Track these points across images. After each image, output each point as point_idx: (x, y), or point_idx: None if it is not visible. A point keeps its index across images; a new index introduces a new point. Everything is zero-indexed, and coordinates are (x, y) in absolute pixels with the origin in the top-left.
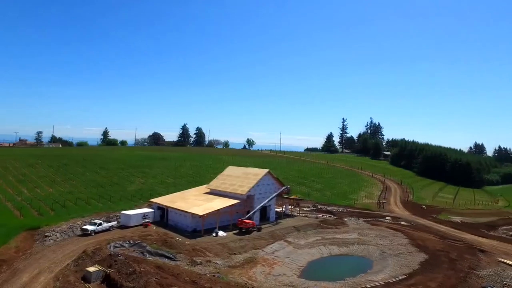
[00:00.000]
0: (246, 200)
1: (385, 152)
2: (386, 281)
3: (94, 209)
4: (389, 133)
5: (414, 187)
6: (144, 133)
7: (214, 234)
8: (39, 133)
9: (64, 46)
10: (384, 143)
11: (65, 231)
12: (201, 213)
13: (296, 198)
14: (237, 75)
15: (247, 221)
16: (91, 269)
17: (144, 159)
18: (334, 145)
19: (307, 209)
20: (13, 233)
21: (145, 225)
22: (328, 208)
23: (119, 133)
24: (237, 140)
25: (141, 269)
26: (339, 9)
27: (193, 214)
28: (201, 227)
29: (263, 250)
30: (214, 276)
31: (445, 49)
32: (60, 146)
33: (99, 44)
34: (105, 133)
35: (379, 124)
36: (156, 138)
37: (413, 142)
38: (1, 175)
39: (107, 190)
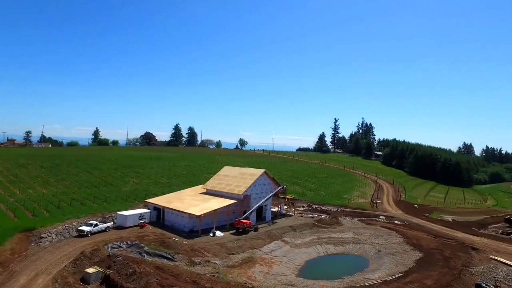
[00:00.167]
0: (243, 200)
1: (376, 152)
2: (383, 279)
3: (89, 209)
4: (380, 133)
5: (406, 186)
6: (136, 133)
7: (211, 234)
8: (28, 132)
9: (53, 45)
10: (375, 143)
11: (60, 232)
12: (198, 213)
13: (291, 198)
14: (230, 75)
15: (244, 221)
16: (90, 270)
17: (137, 159)
18: (327, 145)
19: (302, 208)
20: (7, 234)
21: (141, 226)
22: (323, 208)
23: (110, 133)
24: (229, 140)
25: (141, 269)
26: (331, 9)
27: (190, 214)
28: (198, 227)
29: (260, 250)
30: (213, 276)
31: (434, 50)
32: (50, 146)
33: (90, 44)
34: (96, 133)
35: (370, 124)
36: (148, 138)
37: (404, 142)
38: None
39: (101, 191)
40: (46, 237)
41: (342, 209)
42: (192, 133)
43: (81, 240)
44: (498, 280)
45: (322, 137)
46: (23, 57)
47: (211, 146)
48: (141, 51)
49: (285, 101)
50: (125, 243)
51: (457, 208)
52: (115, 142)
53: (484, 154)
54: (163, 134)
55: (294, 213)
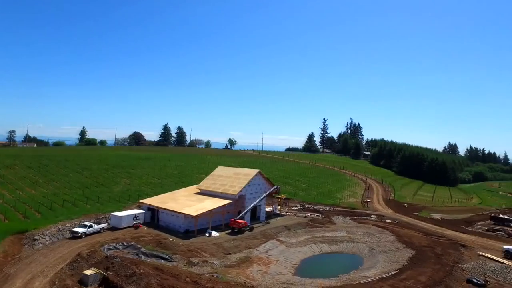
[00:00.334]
0: (238, 200)
1: (365, 152)
2: (379, 276)
3: (82, 211)
4: (368, 133)
5: (395, 186)
6: (124, 133)
7: (207, 235)
8: (11, 132)
9: (39, 44)
10: (364, 143)
11: (54, 234)
12: (194, 214)
13: (284, 197)
14: (218, 75)
15: (239, 221)
16: (88, 272)
17: (127, 159)
18: (315, 145)
19: (295, 208)
20: None
21: (136, 227)
22: (315, 207)
23: (97, 133)
24: (218, 139)
25: (141, 270)
26: (319, 10)
27: (185, 214)
28: (193, 227)
29: (257, 250)
30: (212, 276)
31: (419, 53)
32: (35, 146)
33: (78, 43)
34: (83, 133)
35: (359, 124)
36: (137, 138)
37: (392, 142)
38: None
39: (92, 191)
40: (39, 239)
41: (334, 208)
42: (181, 133)
43: (76, 242)
44: (487, 275)
45: (311, 137)
46: (4, 57)
47: (200, 146)
48: (129, 51)
49: (274, 101)
50: (121, 244)
51: (445, 207)
52: (103, 142)
53: (468, 154)
54: (151, 134)
55: (287, 212)
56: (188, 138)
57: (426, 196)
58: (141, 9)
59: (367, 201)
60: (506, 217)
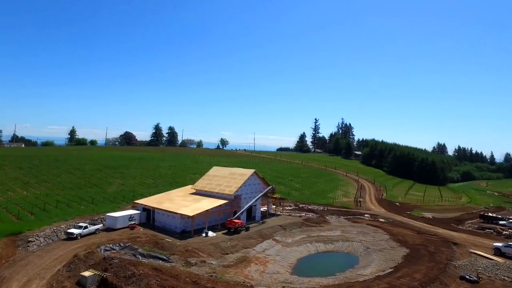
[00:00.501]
0: (234, 200)
1: (356, 152)
2: (376, 274)
3: (76, 211)
4: (359, 134)
5: (386, 185)
6: (115, 133)
7: (204, 235)
8: None
9: (24, 43)
10: (355, 143)
11: (49, 235)
12: (191, 214)
13: (279, 197)
14: (209, 76)
15: (236, 221)
16: (86, 273)
17: (119, 160)
18: (307, 145)
19: (289, 208)
20: None
21: (131, 227)
22: (309, 207)
23: (86, 133)
24: (209, 139)
25: (140, 271)
26: (310, 11)
27: (182, 215)
28: (190, 227)
29: (253, 249)
30: (211, 276)
31: (409, 55)
32: (23, 146)
33: (64, 43)
34: (72, 132)
35: (350, 124)
36: (128, 138)
37: (383, 142)
38: None
39: (86, 192)
40: (33, 241)
41: (328, 208)
42: (172, 133)
43: (71, 243)
44: (479, 272)
45: (302, 137)
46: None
47: (192, 146)
48: (120, 51)
49: (264, 101)
50: (117, 245)
51: (436, 206)
52: (93, 142)
53: (456, 154)
54: (143, 134)
55: (282, 212)
56: (180, 138)
57: (417, 195)
58: (133, 9)
59: (360, 201)
60: (494, 215)
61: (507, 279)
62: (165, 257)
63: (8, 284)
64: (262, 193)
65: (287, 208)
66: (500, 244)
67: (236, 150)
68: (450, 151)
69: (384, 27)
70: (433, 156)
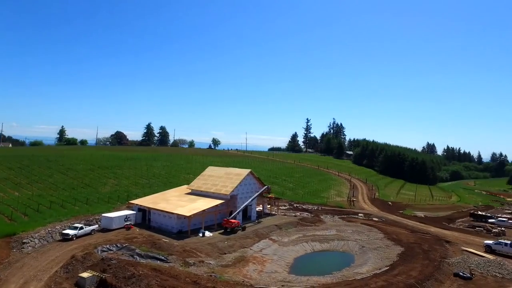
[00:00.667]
0: (230, 200)
1: (347, 152)
2: (373, 272)
3: (71, 212)
4: (350, 133)
5: (378, 185)
6: (106, 132)
7: (200, 235)
8: None
9: (13, 41)
10: (346, 143)
11: (43, 236)
12: (187, 214)
13: (274, 197)
14: (201, 76)
15: (233, 220)
16: (85, 275)
17: (112, 159)
18: (299, 144)
19: (284, 207)
20: None
21: (127, 228)
22: (304, 207)
23: (76, 132)
24: (200, 139)
25: (140, 272)
26: (304, 11)
27: (178, 215)
28: (186, 228)
29: (251, 249)
30: (210, 276)
31: (398, 56)
32: (10, 145)
33: (53, 42)
34: (62, 132)
35: (341, 124)
36: (119, 138)
37: (374, 142)
38: None
39: (79, 192)
40: (28, 242)
41: (322, 207)
42: (164, 133)
43: (67, 244)
44: (472, 269)
45: (294, 137)
46: None
47: (184, 146)
48: (110, 51)
49: (256, 102)
50: (114, 246)
51: (427, 205)
52: (83, 142)
53: (445, 154)
54: (134, 134)
55: (277, 212)
56: (172, 138)
57: (409, 194)
58: (121, 9)
59: (353, 200)
60: (484, 213)
61: (498, 275)
62: (163, 258)
63: (5, 287)
64: (258, 193)
65: (282, 207)
66: (490, 242)
67: (228, 150)
68: (439, 151)
69: (375, 27)
70: (423, 156)
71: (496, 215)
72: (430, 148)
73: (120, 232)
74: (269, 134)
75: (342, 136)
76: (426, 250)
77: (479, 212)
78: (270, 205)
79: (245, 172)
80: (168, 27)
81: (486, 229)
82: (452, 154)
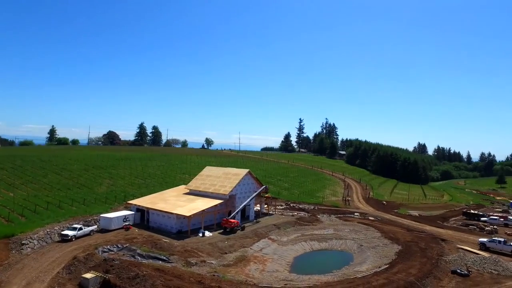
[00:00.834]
0: (228, 200)
1: (340, 152)
2: (373, 270)
3: (68, 213)
4: (343, 133)
5: (372, 184)
6: (97, 132)
7: (200, 235)
8: None
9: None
10: (339, 143)
11: (42, 237)
12: (187, 214)
13: (271, 197)
14: (193, 75)
15: (232, 220)
16: (88, 275)
17: (106, 159)
18: (292, 144)
19: (281, 207)
20: None
21: (126, 228)
22: (300, 206)
23: (66, 132)
24: (193, 139)
25: (144, 272)
26: (297, 14)
27: (178, 215)
28: (185, 228)
29: (251, 248)
30: (213, 275)
31: (390, 59)
32: (0, 146)
33: (40, 41)
34: (52, 131)
35: (334, 124)
36: (111, 137)
37: (366, 142)
38: None
39: (75, 193)
40: (27, 244)
41: (318, 207)
42: (156, 133)
43: (67, 245)
44: (469, 266)
45: (287, 137)
46: None
47: (176, 146)
48: (102, 50)
49: (248, 102)
50: (115, 246)
51: (420, 204)
52: (75, 142)
53: (435, 153)
54: (126, 134)
55: (275, 211)
56: (164, 138)
57: (402, 194)
58: (115, 10)
59: (348, 200)
60: (476, 212)
61: (494, 272)
62: (165, 258)
63: None
64: (256, 192)
65: (279, 207)
66: (485, 240)
67: (222, 150)
68: (430, 151)
69: (366, 31)
70: (415, 156)
71: (488, 213)
72: (421, 148)
73: (119, 233)
74: (261, 134)
75: (335, 136)
76: (423, 248)
77: (472, 211)
78: (267, 205)
79: (243, 172)
80: (161, 27)
81: (479, 227)
82: (442, 154)
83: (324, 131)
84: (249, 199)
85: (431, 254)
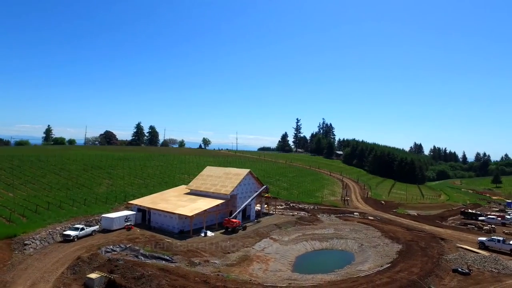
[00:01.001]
0: (230, 200)
1: (337, 152)
2: (375, 270)
3: (69, 213)
4: (340, 134)
5: (370, 184)
6: (94, 132)
7: (202, 234)
8: None
9: None
10: (336, 143)
11: (45, 238)
12: (189, 214)
13: (272, 197)
14: (190, 75)
15: (234, 220)
16: (93, 275)
17: (104, 159)
18: (289, 144)
19: (281, 207)
20: None
21: (128, 228)
22: (300, 206)
23: (62, 131)
24: (189, 139)
25: (149, 272)
26: (296, 14)
27: (180, 215)
28: (187, 228)
29: (253, 248)
30: (218, 275)
31: (384, 59)
32: None
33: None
34: (48, 131)
35: (331, 124)
36: (108, 137)
37: (363, 142)
38: None
39: (75, 193)
40: (30, 244)
41: (318, 206)
42: (153, 132)
43: (69, 245)
44: (469, 265)
45: (284, 137)
46: None
47: (174, 146)
48: (99, 50)
49: (244, 102)
50: (118, 246)
51: (418, 203)
52: (71, 141)
53: (432, 154)
54: (123, 133)
55: (275, 211)
56: (162, 138)
57: (400, 193)
58: (114, 11)
59: (347, 199)
60: (474, 212)
61: (494, 270)
62: (168, 258)
63: None
64: (257, 192)
65: (279, 207)
66: (484, 239)
67: (219, 149)
68: (426, 151)
69: (363, 32)
70: (412, 156)
71: (485, 213)
72: (418, 148)
73: (121, 233)
74: (258, 134)
75: (332, 136)
76: (423, 248)
77: (469, 210)
78: (267, 205)
79: (244, 172)
80: (157, 28)
81: (478, 227)
82: (438, 154)
83: (321, 131)
84: (250, 199)
85: (431, 253)
